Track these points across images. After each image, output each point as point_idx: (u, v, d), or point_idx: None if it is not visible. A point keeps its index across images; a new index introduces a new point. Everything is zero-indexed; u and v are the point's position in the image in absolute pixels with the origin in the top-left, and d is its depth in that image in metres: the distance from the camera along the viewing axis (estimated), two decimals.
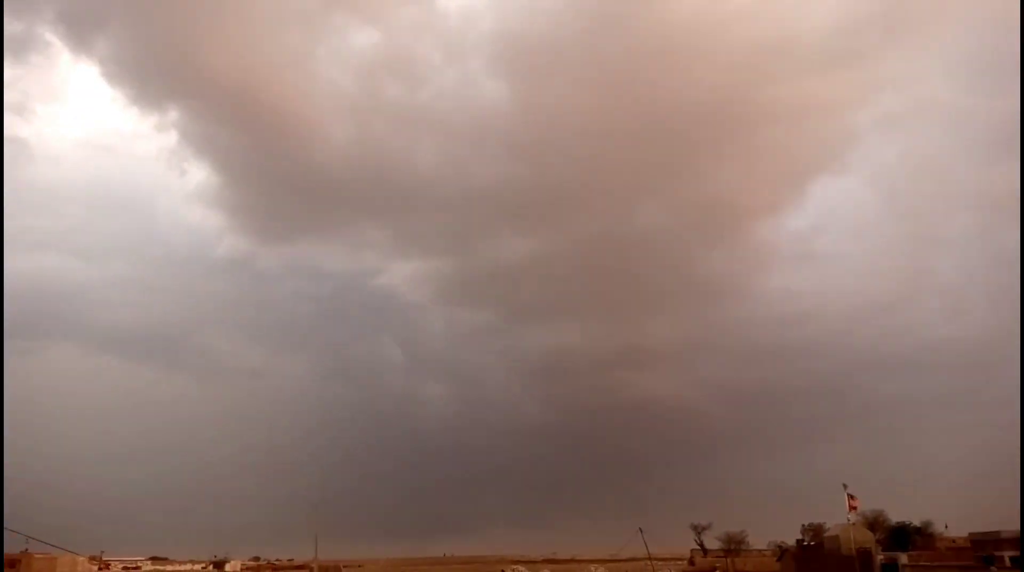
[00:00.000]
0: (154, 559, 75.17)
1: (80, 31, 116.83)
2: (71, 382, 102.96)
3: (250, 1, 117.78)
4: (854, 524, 47.91)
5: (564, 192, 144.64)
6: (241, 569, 78.44)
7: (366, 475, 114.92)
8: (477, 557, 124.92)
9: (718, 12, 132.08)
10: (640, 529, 64.01)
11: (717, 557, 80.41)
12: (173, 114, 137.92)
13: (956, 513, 66.00)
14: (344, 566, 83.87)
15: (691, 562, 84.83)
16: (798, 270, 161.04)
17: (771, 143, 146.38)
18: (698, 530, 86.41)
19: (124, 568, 63.85)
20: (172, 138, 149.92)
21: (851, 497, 43.36)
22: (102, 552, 55.83)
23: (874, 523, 67.26)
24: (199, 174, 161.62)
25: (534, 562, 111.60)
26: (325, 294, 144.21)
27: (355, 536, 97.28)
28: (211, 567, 74.30)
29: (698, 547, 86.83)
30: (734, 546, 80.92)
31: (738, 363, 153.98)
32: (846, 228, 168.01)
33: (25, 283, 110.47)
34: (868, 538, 49.50)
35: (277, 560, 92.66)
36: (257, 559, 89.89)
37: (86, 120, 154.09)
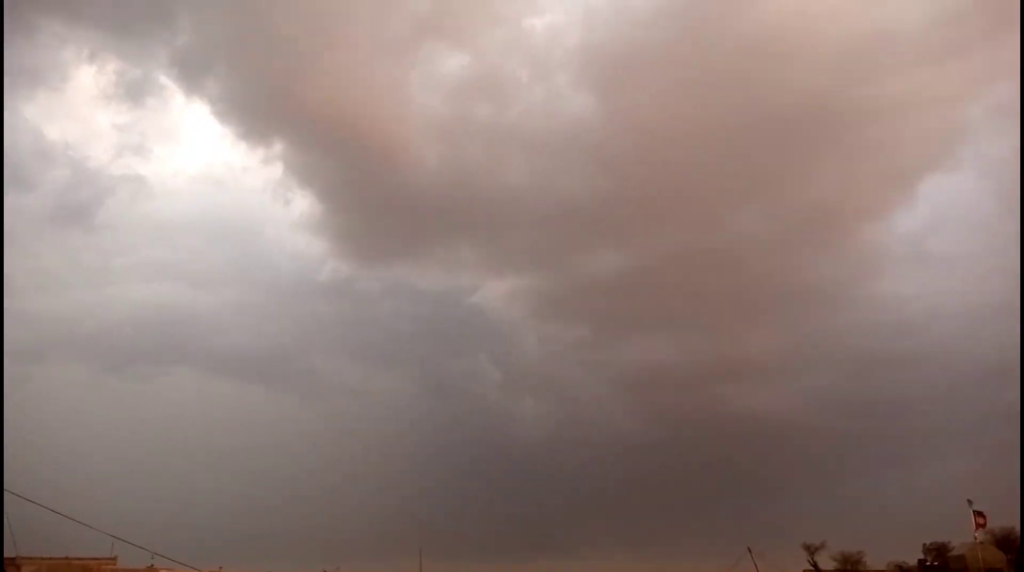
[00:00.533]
0: None
1: (191, 73, 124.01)
2: (190, 403, 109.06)
3: (346, 36, 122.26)
4: (982, 543, 44.94)
5: (656, 202, 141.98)
6: None
7: (466, 490, 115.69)
8: None
9: (813, 8, 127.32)
10: (749, 549, 62.11)
11: None
12: (278, 147, 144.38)
13: None
14: None
15: None
16: (910, 273, 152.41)
17: (876, 141, 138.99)
18: (811, 550, 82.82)
19: None
20: (277, 170, 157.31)
21: (978, 514, 40.82)
22: (220, 568, 58.46)
23: (1005, 541, 62.84)
24: (302, 203, 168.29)
25: None
26: (422, 313, 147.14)
27: (458, 552, 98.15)
28: None
29: (811, 567, 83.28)
30: (850, 566, 77.24)
31: (847, 373, 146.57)
32: (961, 227, 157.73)
33: (146, 311, 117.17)
34: (999, 558, 46.34)
35: None
36: None
37: (199, 156, 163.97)
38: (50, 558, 49.03)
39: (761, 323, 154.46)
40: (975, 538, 43.19)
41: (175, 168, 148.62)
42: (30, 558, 43.96)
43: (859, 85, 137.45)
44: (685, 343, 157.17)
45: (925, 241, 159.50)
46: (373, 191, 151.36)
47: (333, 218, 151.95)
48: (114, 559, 50.09)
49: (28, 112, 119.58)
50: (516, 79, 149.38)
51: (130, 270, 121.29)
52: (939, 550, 69.31)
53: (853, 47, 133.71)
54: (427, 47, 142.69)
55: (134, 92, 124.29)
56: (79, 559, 50.23)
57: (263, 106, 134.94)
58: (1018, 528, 65.78)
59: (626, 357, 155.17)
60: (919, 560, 71.64)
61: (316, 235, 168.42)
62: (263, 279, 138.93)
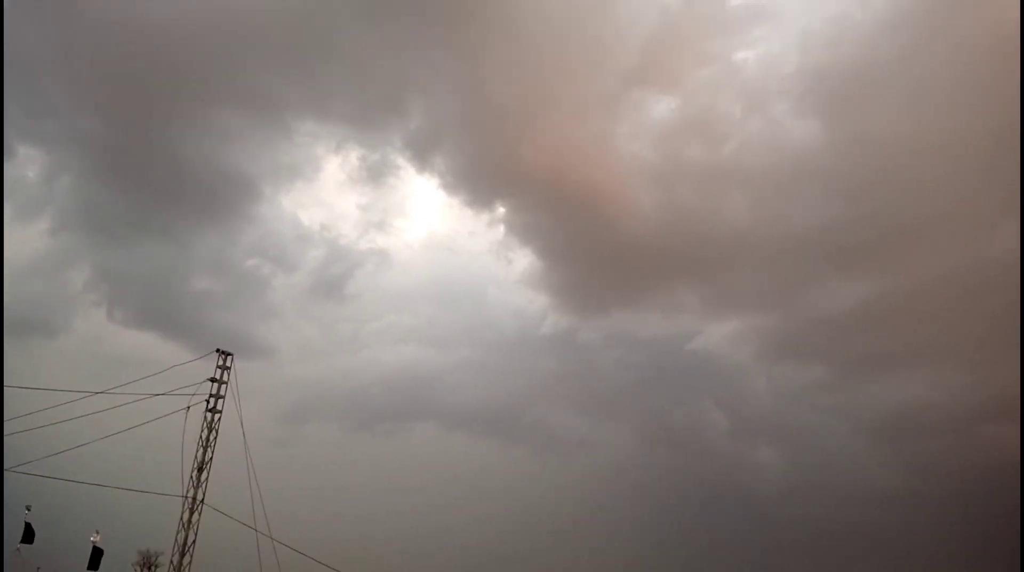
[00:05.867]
0: None
1: (422, 152, 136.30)
2: (430, 456, 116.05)
3: (556, 99, 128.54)
4: None
5: (899, 227, 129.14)
6: None
7: (700, 543, 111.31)
8: None
9: None
10: None
11: None
12: (500, 210, 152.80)
13: None
14: None
15: None
16: None
17: None
18: None
19: None
20: (499, 232, 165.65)
21: None
22: None
23: None
24: (523, 261, 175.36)
25: None
26: (643, 361, 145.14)
27: None
28: None
29: None
30: None
31: None
32: None
33: (393, 372, 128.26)
34: None
35: None
36: None
37: (429, 227, 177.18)
38: None
39: None
40: None
41: (410, 239, 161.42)
42: None
43: None
44: (943, 380, 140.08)
45: None
46: (589, 243, 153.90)
47: (552, 273, 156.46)
48: None
49: (287, 203, 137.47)
50: (729, 115, 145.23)
51: (377, 335, 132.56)
52: None
53: None
54: (634, 96, 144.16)
55: (374, 174, 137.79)
56: None
57: (485, 174, 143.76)
58: None
59: (871, 398, 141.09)
60: None
61: (537, 291, 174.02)
62: (489, 337, 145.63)
